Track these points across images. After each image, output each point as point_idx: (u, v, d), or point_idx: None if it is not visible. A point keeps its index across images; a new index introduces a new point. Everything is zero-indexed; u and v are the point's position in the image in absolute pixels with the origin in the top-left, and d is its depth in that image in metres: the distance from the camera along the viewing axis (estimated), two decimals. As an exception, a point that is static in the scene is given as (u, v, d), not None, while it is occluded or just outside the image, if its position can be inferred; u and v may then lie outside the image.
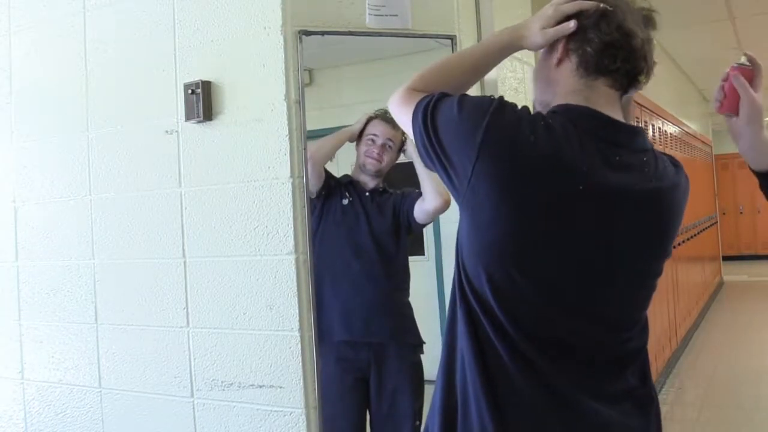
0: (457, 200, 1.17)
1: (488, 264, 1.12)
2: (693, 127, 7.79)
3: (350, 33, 2.09)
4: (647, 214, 1.15)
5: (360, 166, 2.55)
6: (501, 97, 1.15)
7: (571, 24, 1.17)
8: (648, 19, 1.20)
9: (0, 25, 2.62)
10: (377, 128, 2.52)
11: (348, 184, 2.54)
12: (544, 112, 1.18)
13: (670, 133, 6.07)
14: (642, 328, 1.22)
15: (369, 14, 2.10)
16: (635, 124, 1.34)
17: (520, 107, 1.14)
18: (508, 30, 1.26)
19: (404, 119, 1.23)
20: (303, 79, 2.03)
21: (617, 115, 1.18)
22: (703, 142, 8.56)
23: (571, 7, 1.19)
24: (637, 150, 1.17)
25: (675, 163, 1.25)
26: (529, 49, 1.26)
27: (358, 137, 2.56)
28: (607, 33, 1.15)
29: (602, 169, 1.10)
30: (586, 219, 1.11)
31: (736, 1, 5.09)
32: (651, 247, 1.19)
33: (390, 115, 2.52)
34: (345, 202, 2.50)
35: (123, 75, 2.33)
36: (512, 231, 1.10)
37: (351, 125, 2.56)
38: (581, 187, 1.09)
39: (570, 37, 1.19)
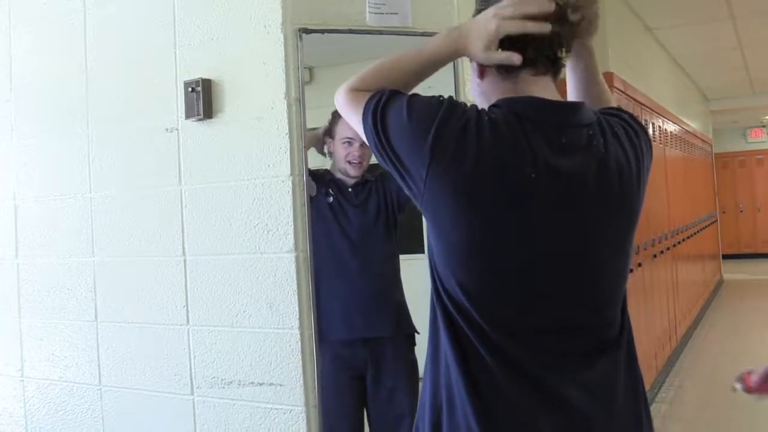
0: (416, 203, 1.16)
1: (457, 264, 1.12)
2: (693, 125, 7.79)
3: (350, 31, 2.09)
4: (606, 186, 1.15)
5: (341, 170, 2.48)
6: (450, 98, 1.14)
7: (516, 59, 1.13)
8: None
9: (0, 23, 2.62)
10: (350, 130, 2.39)
11: (330, 181, 2.48)
12: None
13: (671, 132, 6.07)
14: (623, 312, 1.22)
15: (369, 12, 2.10)
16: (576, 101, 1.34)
17: (468, 106, 1.14)
18: (453, 37, 1.19)
19: (354, 119, 1.21)
20: (303, 77, 2.03)
21: (554, 97, 1.18)
22: (703, 140, 8.56)
23: (515, 27, 1.12)
24: (582, 125, 1.16)
25: (631, 125, 1.23)
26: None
27: (332, 137, 2.49)
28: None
29: (550, 153, 1.11)
30: (543, 205, 1.11)
31: (736, 1, 5.08)
32: (618, 217, 1.18)
33: None
34: (330, 200, 2.45)
35: (123, 73, 2.33)
36: (474, 229, 1.10)
37: (314, 130, 2.44)
38: (533, 176, 1.09)
39: None
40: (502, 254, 1.11)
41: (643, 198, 1.22)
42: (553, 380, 1.12)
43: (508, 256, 1.11)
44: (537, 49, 1.14)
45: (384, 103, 1.15)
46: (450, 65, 2.22)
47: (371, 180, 2.52)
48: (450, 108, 1.12)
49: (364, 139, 1.20)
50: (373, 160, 2.51)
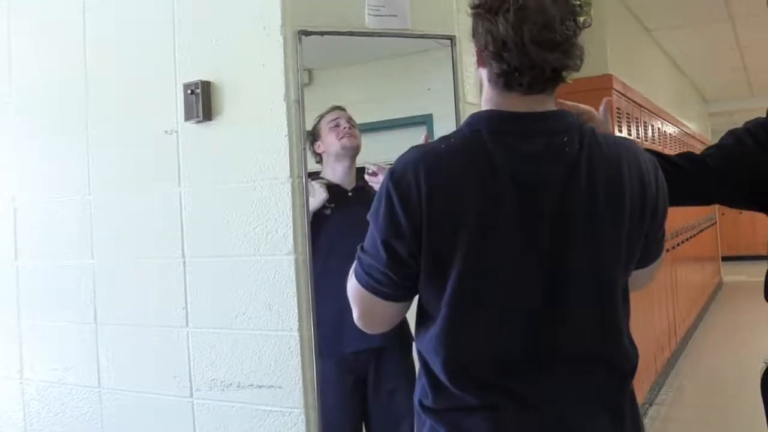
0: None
1: (433, 286, 1.14)
2: (692, 127, 7.80)
3: (350, 33, 2.10)
4: (575, 189, 1.12)
5: (336, 155, 2.43)
6: (390, 173, 1.15)
7: None
8: (576, 9, 1.13)
9: (0, 25, 2.62)
10: (334, 114, 2.43)
11: (327, 189, 2.40)
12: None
13: (669, 134, 6.07)
14: (611, 322, 1.20)
15: (368, 14, 2.10)
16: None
17: (410, 155, 1.15)
18: None
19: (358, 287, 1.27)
20: (302, 79, 2.03)
21: (537, 108, 1.16)
22: (702, 142, 8.55)
23: None
24: (555, 132, 1.14)
25: (618, 141, 1.22)
26: None
27: (318, 137, 2.45)
28: (504, 59, 1.11)
29: (513, 166, 1.11)
30: (518, 218, 1.10)
31: (735, 2, 5.09)
32: (592, 220, 1.14)
33: (338, 106, 2.47)
34: (327, 212, 2.38)
35: (123, 75, 2.33)
36: (463, 260, 1.10)
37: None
38: (500, 192, 1.09)
39: (478, 50, 1.17)
40: (489, 276, 1.11)
41: (626, 203, 1.16)
42: (541, 397, 1.13)
43: (497, 274, 1.11)
44: (533, 78, 1.13)
45: (360, 249, 1.26)
46: (449, 66, 2.23)
47: (369, 191, 2.49)
48: (393, 180, 1.13)
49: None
50: (367, 145, 2.50)
